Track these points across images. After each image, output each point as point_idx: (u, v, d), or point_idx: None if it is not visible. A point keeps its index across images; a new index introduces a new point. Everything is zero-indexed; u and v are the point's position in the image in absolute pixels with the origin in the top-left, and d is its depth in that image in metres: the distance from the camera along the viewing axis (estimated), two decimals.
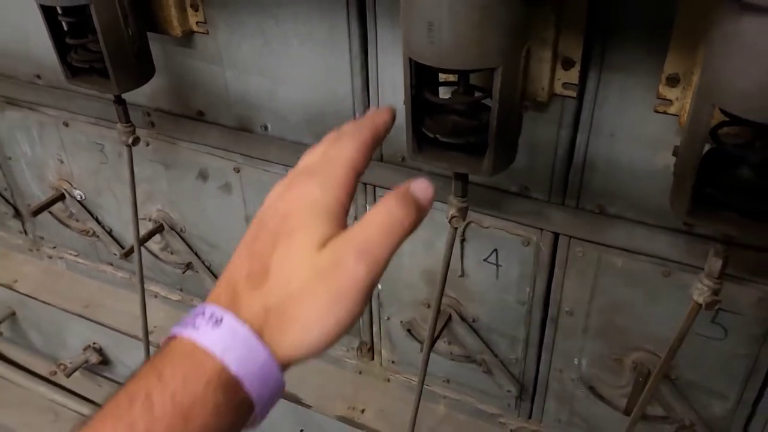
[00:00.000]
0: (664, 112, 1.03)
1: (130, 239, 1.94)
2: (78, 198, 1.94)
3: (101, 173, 1.83)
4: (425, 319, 1.56)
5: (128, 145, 1.46)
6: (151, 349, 1.83)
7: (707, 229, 1.09)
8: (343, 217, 0.53)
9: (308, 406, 1.75)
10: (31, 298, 2.18)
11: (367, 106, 1.32)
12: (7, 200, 2.13)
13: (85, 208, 1.95)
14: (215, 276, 1.84)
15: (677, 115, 1.02)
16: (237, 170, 1.57)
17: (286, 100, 1.39)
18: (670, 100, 1.02)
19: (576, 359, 1.41)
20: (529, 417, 1.58)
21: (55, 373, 2.23)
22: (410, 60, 0.95)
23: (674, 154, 0.94)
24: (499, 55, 0.89)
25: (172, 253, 1.88)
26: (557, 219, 1.23)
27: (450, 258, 1.21)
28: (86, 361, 2.16)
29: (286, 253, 0.50)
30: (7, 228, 2.22)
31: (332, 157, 0.56)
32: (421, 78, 0.99)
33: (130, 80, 1.30)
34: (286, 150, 1.45)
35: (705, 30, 0.81)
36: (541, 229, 1.28)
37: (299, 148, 1.43)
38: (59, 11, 1.26)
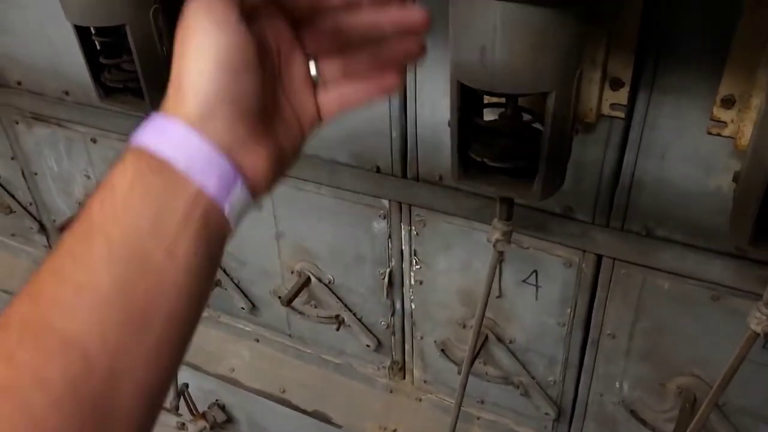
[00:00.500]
0: (718, 134, 1.00)
1: None
2: None
3: None
4: (460, 339, 1.53)
5: None
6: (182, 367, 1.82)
7: None
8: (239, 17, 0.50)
9: (338, 426, 1.72)
10: None
11: (404, 125, 1.29)
12: (32, 215, 2.12)
13: None
14: (243, 293, 1.82)
15: (732, 138, 0.99)
16: None
17: None
18: (725, 122, 0.99)
19: (617, 382, 1.37)
20: None
21: None
22: (458, 83, 0.92)
23: (735, 179, 0.91)
24: (553, 78, 0.86)
25: None
26: (602, 241, 1.20)
27: (492, 281, 1.19)
28: None
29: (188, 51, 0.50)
30: (33, 243, 2.21)
31: None
32: (465, 100, 0.96)
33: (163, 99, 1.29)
34: (320, 168, 1.43)
35: None
36: (584, 251, 1.25)
37: (333, 166, 1.41)
38: (93, 31, 1.24)
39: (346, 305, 1.64)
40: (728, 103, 0.97)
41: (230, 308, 1.89)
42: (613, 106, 1.06)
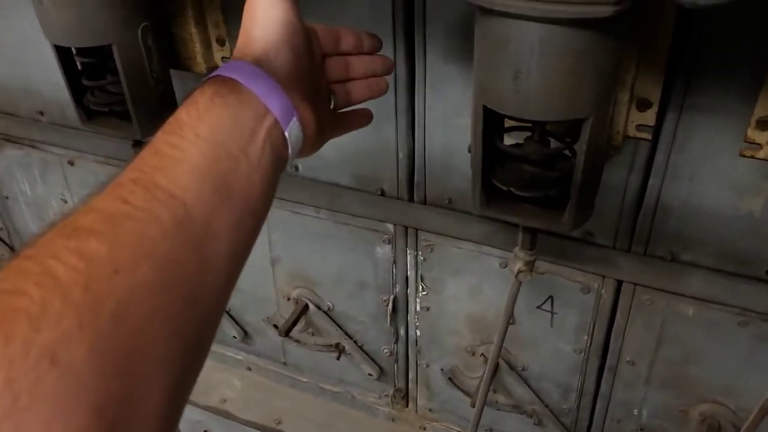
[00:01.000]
0: (752, 157, 0.95)
1: None
2: None
3: None
4: (468, 366, 1.46)
5: None
6: None
7: None
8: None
9: None
10: None
11: (412, 146, 1.22)
12: (4, 241, 2.00)
13: None
14: (235, 320, 1.72)
15: (767, 160, 0.94)
16: None
17: None
18: (759, 144, 0.94)
19: (636, 410, 1.32)
20: None
21: None
22: (484, 107, 0.85)
23: None
24: (590, 104, 0.80)
25: None
26: (625, 266, 1.15)
27: (512, 312, 1.12)
28: None
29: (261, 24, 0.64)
30: None
31: None
32: (489, 124, 0.89)
33: (153, 124, 1.19)
34: (319, 191, 1.35)
35: None
36: (604, 276, 1.19)
37: (334, 189, 1.34)
38: (74, 51, 1.15)
39: (346, 333, 1.56)
40: (764, 124, 0.92)
41: (221, 336, 1.79)
42: (639, 127, 1.00)
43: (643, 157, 1.04)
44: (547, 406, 1.41)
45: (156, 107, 1.18)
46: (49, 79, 1.52)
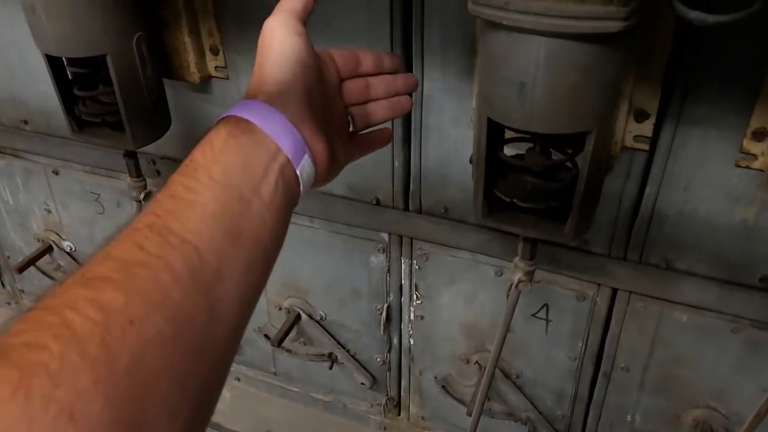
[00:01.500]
0: (747, 167, 0.97)
1: None
2: (67, 250, 1.78)
3: (96, 224, 1.68)
4: (462, 374, 1.47)
5: (139, 201, 1.33)
6: None
7: None
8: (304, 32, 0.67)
9: None
10: None
11: (408, 155, 1.22)
12: None
13: (76, 260, 1.79)
14: None
15: (762, 171, 0.96)
16: None
17: None
18: (755, 155, 0.96)
19: (629, 415, 1.33)
20: None
21: None
22: (487, 119, 0.86)
23: None
24: (594, 117, 0.81)
25: None
26: (620, 274, 1.16)
27: (510, 323, 1.12)
28: None
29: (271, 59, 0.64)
30: None
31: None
32: (491, 135, 0.90)
33: (146, 134, 1.18)
34: (313, 200, 1.35)
35: None
36: (599, 284, 1.20)
37: (328, 198, 1.33)
38: (65, 61, 1.13)
39: (339, 342, 1.55)
40: (760, 135, 0.94)
41: None
42: (636, 138, 1.01)
43: (640, 167, 1.06)
44: (541, 413, 1.42)
45: (149, 117, 1.17)
46: (34, 88, 1.49)
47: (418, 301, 1.40)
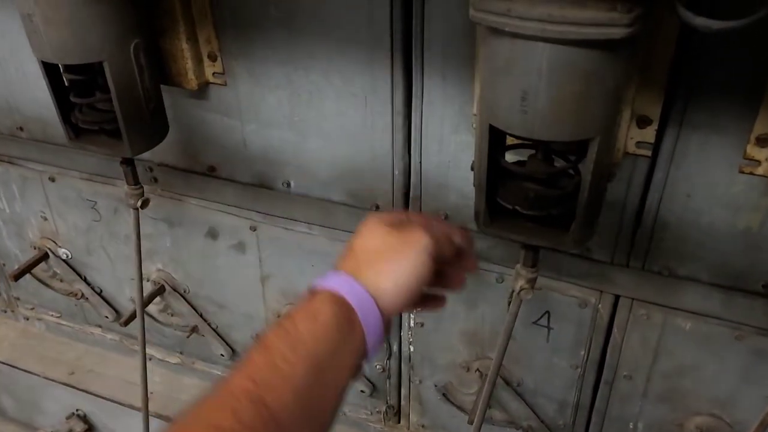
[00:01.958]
0: (751, 173, 0.96)
1: (122, 300, 1.79)
2: (64, 257, 1.77)
3: (93, 231, 1.66)
4: (462, 382, 1.45)
5: (136, 209, 1.32)
6: (151, 419, 1.67)
7: None
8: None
9: None
10: (4, 364, 1.98)
11: (408, 162, 1.21)
12: None
13: (72, 268, 1.78)
14: (223, 338, 1.69)
15: (766, 177, 0.95)
16: (253, 229, 1.44)
17: (315, 155, 1.27)
18: (759, 161, 0.95)
19: (632, 423, 1.32)
20: None
21: None
22: (489, 126, 0.85)
23: None
24: (597, 125, 0.80)
25: (172, 315, 1.72)
26: (622, 281, 1.15)
27: (511, 330, 1.11)
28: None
29: (359, 238, 0.74)
30: None
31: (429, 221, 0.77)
32: (493, 142, 0.89)
33: (144, 141, 1.17)
34: (312, 207, 1.33)
35: None
36: (601, 291, 1.19)
37: (326, 205, 1.32)
38: (62, 68, 1.12)
39: None
40: (764, 141, 0.93)
41: (207, 355, 1.76)
42: (639, 144, 1.00)
43: (642, 174, 1.05)
44: (542, 421, 1.41)
45: (146, 124, 1.15)
46: (30, 95, 1.48)
47: (418, 308, 1.39)
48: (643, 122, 0.99)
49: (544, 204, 0.90)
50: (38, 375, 1.94)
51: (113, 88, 1.06)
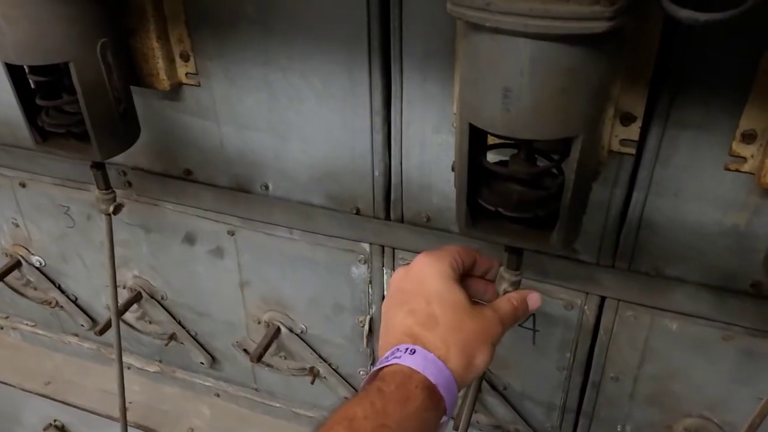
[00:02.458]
0: (737, 170, 0.94)
1: (98, 308, 1.74)
2: (37, 265, 1.72)
3: (67, 238, 1.62)
4: None
5: (108, 214, 1.28)
6: (130, 429, 1.63)
7: None
8: (458, 278, 0.80)
9: None
10: None
11: (388, 164, 1.18)
12: None
13: (46, 276, 1.73)
14: (203, 346, 1.65)
15: (753, 174, 0.93)
16: (231, 233, 1.40)
17: (294, 157, 1.24)
18: (744, 158, 0.93)
19: (619, 426, 1.30)
20: None
21: None
22: (469, 125, 0.82)
23: None
24: (581, 122, 0.77)
25: (150, 323, 1.68)
26: (608, 282, 1.13)
27: None
28: None
29: (445, 310, 0.75)
30: None
31: (442, 247, 0.85)
32: (473, 142, 0.86)
33: (114, 145, 1.13)
34: (292, 211, 1.30)
35: None
36: (587, 293, 1.17)
37: (306, 209, 1.29)
38: (27, 69, 1.07)
39: (320, 356, 1.51)
40: (749, 138, 0.91)
41: (187, 363, 1.72)
42: (623, 142, 0.98)
43: (627, 172, 1.02)
44: (529, 425, 1.38)
45: (116, 127, 1.11)
46: None
47: None
48: (627, 119, 0.97)
49: (528, 205, 0.88)
50: (14, 386, 1.89)
51: (80, 89, 1.02)
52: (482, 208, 0.91)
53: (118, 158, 1.36)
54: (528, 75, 0.72)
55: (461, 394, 1.38)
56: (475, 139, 0.84)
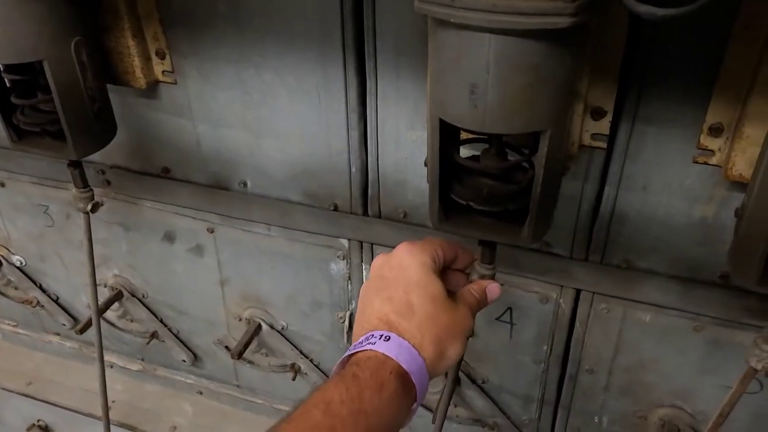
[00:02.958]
0: (705, 163, 0.96)
1: (79, 307, 1.74)
2: (17, 264, 1.71)
3: (46, 237, 1.61)
4: None
5: (86, 213, 1.28)
6: (113, 428, 1.63)
7: None
8: (438, 270, 0.83)
9: None
10: None
11: (365, 160, 1.19)
12: None
13: (27, 275, 1.72)
14: (184, 344, 1.65)
15: (720, 166, 0.95)
16: (211, 231, 1.40)
17: (270, 155, 1.24)
18: (712, 151, 0.95)
19: (596, 417, 1.32)
20: None
21: None
22: (440, 120, 0.83)
23: (737, 215, 0.87)
24: (549, 116, 0.79)
25: (132, 321, 1.68)
26: (581, 276, 1.14)
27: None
28: None
29: (422, 300, 0.77)
30: None
31: (425, 238, 0.87)
32: (444, 137, 0.87)
33: (89, 143, 1.13)
34: (270, 208, 1.30)
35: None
36: (562, 286, 1.18)
37: (285, 205, 1.29)
38: (1, 68, 1.07)
39: (301, 352, 1.51)
40: (716, 131, 0.93)
41: (169, 361, 1.72)
42: (594, 136, 1.00)
43: (599, 167, 1.04)
44: (508, 417, 1.40)
45: (92, 125, 1.11)
46: None
47: None
48: (597, 114, 0.98)
49: (498, 199, 0.89)
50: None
51: (54, 88, 1.02)
52: (455, 203, 0.92)
53: (96, 156, 1.36)
54: (493, 70, 0.73)
55: (439, 389, 1.40)
56: (446, 135, 0.85)
